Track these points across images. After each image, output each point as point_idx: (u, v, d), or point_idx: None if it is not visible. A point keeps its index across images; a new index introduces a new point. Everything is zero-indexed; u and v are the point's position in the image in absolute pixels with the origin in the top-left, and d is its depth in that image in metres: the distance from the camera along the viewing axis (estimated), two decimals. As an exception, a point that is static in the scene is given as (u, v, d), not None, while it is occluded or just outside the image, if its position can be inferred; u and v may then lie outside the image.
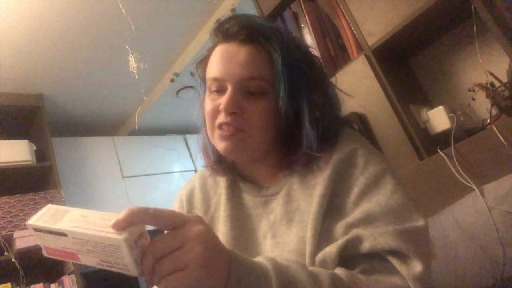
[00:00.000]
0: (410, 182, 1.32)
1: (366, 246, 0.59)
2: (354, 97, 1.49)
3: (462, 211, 1.15)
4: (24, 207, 2.44)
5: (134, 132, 3.75)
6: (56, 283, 2.39)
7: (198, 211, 0.83)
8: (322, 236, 0.63)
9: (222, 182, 0.83)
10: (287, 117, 0.70)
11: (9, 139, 2.62)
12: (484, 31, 1.29)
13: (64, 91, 3.01)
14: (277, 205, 0.73)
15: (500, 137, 1.14)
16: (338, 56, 1.62)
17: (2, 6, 2.06)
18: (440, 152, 1.27)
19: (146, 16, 2.49)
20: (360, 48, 1.52)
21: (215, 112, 0.71)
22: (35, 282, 2.33)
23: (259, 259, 0.52)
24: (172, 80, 3.12)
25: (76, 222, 0.44)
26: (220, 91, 0.71)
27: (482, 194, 1.11)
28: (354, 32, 1.52)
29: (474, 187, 1.14)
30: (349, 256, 0.60)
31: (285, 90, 0.68)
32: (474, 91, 1.32)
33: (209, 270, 0.44)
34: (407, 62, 1.67)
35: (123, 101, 3.43)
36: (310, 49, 0.80)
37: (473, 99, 1.35)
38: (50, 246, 0.47)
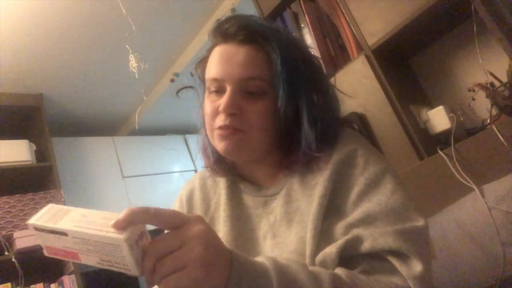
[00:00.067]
0: (410, 182, 1.32)
1: (366, 246, 0.59)
2: (353, 97, 1.49)
3: (462, 211, 1.15)
4: (24, 207, 2.44)
5: (134, 132, 3.75)
6: (56, 283, 2.39)
7: (198, 211, 0.83)
8: (322, 236, 0.63)
9: (222, 183, 0.83)
10: (286, 117, 0.70)
11: (9, 139, 2.62)
12: (484, 31, 1.29)
13: (64, 91, 3.01)
14: (277, 206, 0.73)
15: (500, 137, 1.14)
16: (338, 56, 1.62)
17: (2, 6, 2.06)
18: (440, 152, 1.27)
19: (146, 16, 2.49)
20: (360, 48, 1.52)
21: (215, 113, 0.71)
22: (35, 282, 2.33)
23: (259, 258, 0.52)
24: (172, 80, 3.12)
25: (77, 222, 0.44)
26: (219, 91, 0.71)
27: (482, 194, 1.11)
28: (354, 32, 1.52)
29: (474, 187, 1.14)
30: (349, 256, 0.60)
31: (284, 90, 0.68)
32: (474, 91, 1.32)
33: (210, 270, 0.44)
34: (407, 62, 1.67)
35: (123, 101, 3.43)
36: (309, 49, 0.80)
37: (473, 99, 1.35)
38: (50, 246, 0.47)
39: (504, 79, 1.25)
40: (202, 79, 0.79)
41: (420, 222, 0.61)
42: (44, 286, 2.34)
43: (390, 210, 0.62)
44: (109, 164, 3.41)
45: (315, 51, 1.57)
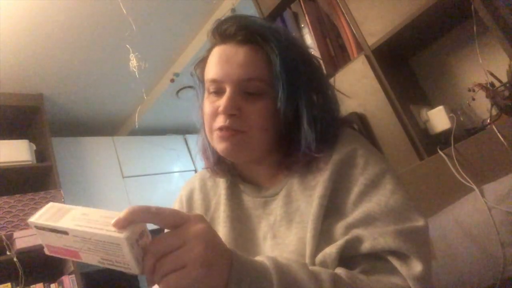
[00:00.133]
0: (410, 182, 1.32)
1: (366, 246, 0.59)
2: (352, 97, 1.49)
3: (462, 211, 1.15)
4: (24, 207, 2.44)
5: (134, 132, 3.75)
6: (56, 283, 2.39)
7: (198, 211, 0.83)
8: (322, 236, 0.63)
9: (221, 183, 0.83)
10: (285, 118, 0.70)
11: (9, 139, 2.62)
12: (484, 31, 1.29)
13: (64, 91, 3.01)
14: (277, 206, 0.73)
15: (500, 137, 1.14)
16: (338, 56, 1.62)
17: (2, 6, 2.06)
18: (440, 152, 1.27)
19: (146, 16, 2.49)
20: (360, 48, 1.52)
21: (214, 114, 0.71)
22: (35, 282, 2.33)
23: (259, 258, 0.52)
24: (172, 80, 3.12)
25: (78, 220, 0.45)
26: (219, 92, 0.71)
27: (482, 194, 1.11)
28: (354, 32, 1.53)
29: (474, 187, 1.14)
30: (349, 257, 0.60)
31: (283, 91, 0.68)
32: (474, 91, 1.32)
33: (210, 269, 0.44)
34: (407, 62, 1.67)
35: (123, 101, 3.43)
36: (309, 49, 0.80)
37: (473, 99, 1.35)
38: (51, 244, 0.47)
39: (504, 79, 1.25)
40: (202, 80, 0.79)
41: (420, 222, 0.61)
42: (44, 286, 2.34)
43: (390, 210, 0.62)
44: (109, 164, 3.41)
45: (315, 51, 1.57)
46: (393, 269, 0.59)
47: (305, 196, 0.69)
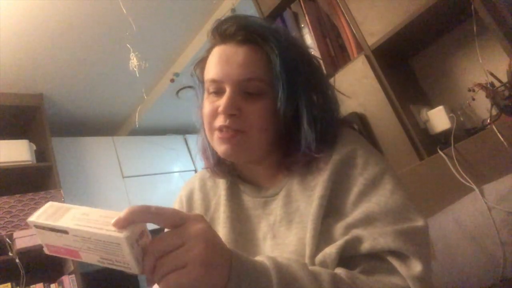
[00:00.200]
0: (410, 182, 1.32)
1: (365, 246, 0.59)
2: (352, 97, 1.49)
3: (462, 211, 1.15)
4: (24, 207, 2.45)
5: (134, 132, 3.75)
6: (56, 283, 2.39)
7: (198, 212, 0.83)
8: (322, 236, 0.63)
9: (221, 184, 0.83)
10: (285, 118, 0.70)
11: (9, 139, 2.62)
12: (484, 31, 1.29)
13: (64, 91, 3.01)
14: (276, 206, 0.73)
15: (500, 137, 1.14)
16: (338, 56, 1.62)
17: (2, 6, 2.06)
18: (440, 152, 1.27)
19: (146, 16, 2.49)
20: (360, 48, 1.52)
21: (214, 114, 0.71)
22: (35, 282, 2.33)
23: (259, 258, 0.52)
24: (172, 80, 3.12)
25: (78, 220, 0.45)
26: (218, 92, 0.71)
27: (482, 194, 1.11)
28: (354, 32, 1.52)
29: (474, 187, 1.14)
30: (348, 257, 0.60)
31: (283, 91, 0.68)
32: (474, 91, 1.32)
33: (210, 269, 0.44)
34: (407, 62, 1.67)
35: (123, 101, 3.43)
36: (309, 49, 0.80)
37: (473, 99, 1.35)
38: (51, 244, 0.47)
39: (504, 79, 1.25)
40: (201, 80, 0.79)
41: (419, 222, 0.61)
42: (44, 286, 2.34)
43: (389, 210, 0.62)
44: (109, 164, 3.41)
45: (315, 51, 1.57)
46: (392, 269, 0.59)
47: (305, 196, 0.69)
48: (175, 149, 3.86)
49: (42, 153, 2.73)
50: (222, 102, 0.68)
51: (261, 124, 0.69)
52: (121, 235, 0.42)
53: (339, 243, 0.60)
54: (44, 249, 0.49)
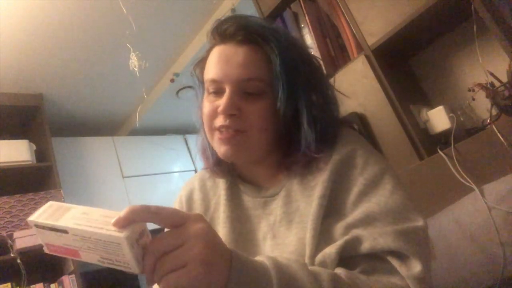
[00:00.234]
0: (410, 182, 1.32)
1: (365, 246, 0.59)
2: (352, 97, 1.49)
3: (462, 211, 1.15)
4: (24, 207, 2.44)
5: (134, 132, 3.75)
6: (56, 283, 2.39)
7: (198, 212, 0.83)
8: (322, 237, 0.63)
9: (221, 184, 0.83)
10: (285, 118, 0.70)
11: (9, 139, 2.62)
12: (484, 31, 1.29)
13: (64, 91, 3.01)
14: (276, 206, 0.73)
15: (500, 137, 1.14)
16: (338, 56, 1.62)
17: (2, 6, 2.06)
18: (440, 152, 1.27)
19: (146, 16, 2.49)
20: (360, 48, 1.52)
21: (213, 114, 0.71)
22: (35, 282, 2.32)
23: (259, 258, 0.52)
24: (172, 80, 3.12)
25: (77, 219, 0.45)
26: (218, 92, 0.71)
27: (482, 194, 1.12)
28: (354, 32, 1.53)
29: (474, 187, 1.14)
30: (348, 257, 0.60)
31: (283, 91, 0.68)
32: (474, 91, 1.32)
33: (210, 268, 0.44)
34: (407, 62, 1.67)
35: (123, 101, 3.43)
36: (309, 49, 0.80)
37: (473, 99, 1.35)
38: (51, 243, 0.47)
39: (504, 79, 1.25)
40: (201, 80, 0.79)
41: (419, 222, 0.61)
42: (44, 286, 2.34)
43: (389, 210, 0.62)
44: (109, 164, 3.41)
45: (315, 51, 1.57)
46: (392, 269, 0.59)
47: (305, 196, 0.69)
48: (175, 149, 3.86)
49: (42, 153, 2.73)
50: (221, 102, 0.68)
51: (261, 124, 0.69)
52: (121, 234, 0.42)
53: (339, 243, 0.60)
54: (44, 248, 0.49)
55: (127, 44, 2.13)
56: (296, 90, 0.70)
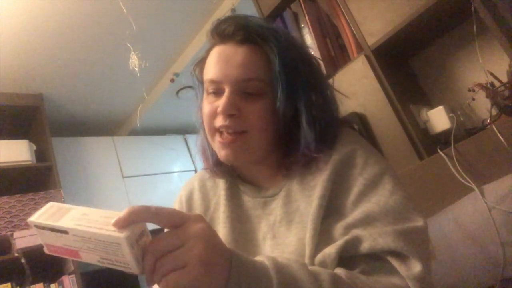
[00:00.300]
0: (410, 182, 1.32)
1: (365, 246, 0.59)
2: (352, 97, 1.49)
3: (462, 211, 1.15)
4: (24, 207, 2.44)
5: (134, 132, 3.75)
6: (56, 283, 2.39)
7: (198, 212, 0.83)
8: (322, 237, 0.63)
9: (221, 184, 0.83)
10: (285, 118, 0.70)
11: (9, 139, 2.62)
12: (484, 31, 1.29)
13: (64, 91, 3.01)
14: (276, 206, 0.73)
15: (500, 137, 1.14)
16: (338, 56, 1.62)
17: (2, 6, 2.06)
18: (440, 152, 1.27)
19: (146, 16, 2.49)
20: (360, 48, 1.52)
21: (213, 114, 0.71)
22: (35, 282, 2.33)
23: (259, 258, 0.52)
24: (172, 80, 3.12)
25: (78, 220, 0.45)
26: (218, 93, 0.71)
27: (482, 194, 1.12)
28: (354, 32, 1.52)
29: (474, 187, 1.14)
30: (348, 257, 0.60)
31: (282, 91, 0.68)
32: (474, 91, 1.32)
33: (210, 269, 0.44)
34: (407, 62, 1.67)
35: (123, 101, 3.43)
36: (308, 49, 0.80)
37: (473, 99, 1.35)
38: (51, 243, 0.48)
39: (504, 79, 1.25)
40: (201, 81, 0.78)
41: (419, 222, 0.61)
42: (44, 286, 2.34)
43: (389, 210, 0.62)
44: (109, 164, 3.41)
45: (315, 51, 1.57)
46: (392, 269, 0.59)
47: (305, 197, 0.69)
48: (175, 149, 3.86)
49: (42, 153, 2.73)
50: (221, 102, 0.68)
51: (260, 124, 0.69)
52: (121, 235, 0.42)
53: (339, 243, 0.60)
54: (44, 249, 0.49)
55: (127, 44, 2.13)
56: (296, 90, 0.70)
